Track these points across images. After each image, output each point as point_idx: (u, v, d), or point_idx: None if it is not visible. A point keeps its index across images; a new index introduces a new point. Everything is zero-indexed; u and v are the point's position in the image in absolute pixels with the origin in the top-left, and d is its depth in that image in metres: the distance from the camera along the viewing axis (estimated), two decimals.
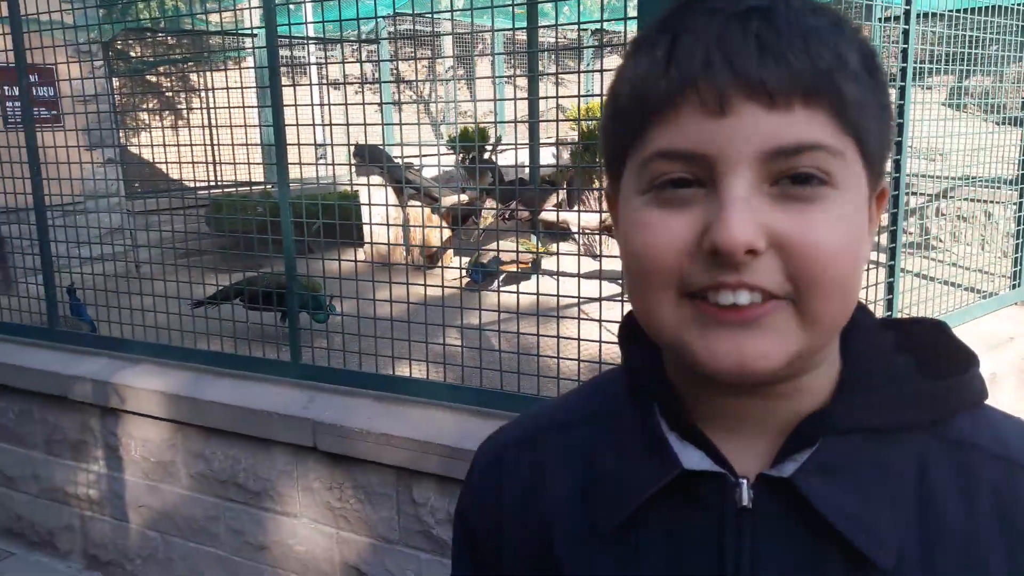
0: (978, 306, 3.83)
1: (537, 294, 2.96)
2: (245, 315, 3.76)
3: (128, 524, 3.64)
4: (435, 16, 5.76)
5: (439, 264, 6.28)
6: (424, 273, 3.79)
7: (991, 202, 4.91)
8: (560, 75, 6.45)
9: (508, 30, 5.25)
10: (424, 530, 2.94)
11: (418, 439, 2.87)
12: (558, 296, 2.93)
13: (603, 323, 2.80)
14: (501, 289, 3.61)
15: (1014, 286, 4.03)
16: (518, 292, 3.02)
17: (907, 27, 3.19)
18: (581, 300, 2.94)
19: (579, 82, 5.81)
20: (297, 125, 3.18)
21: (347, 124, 3.24)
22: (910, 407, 0.69)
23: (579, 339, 2.90)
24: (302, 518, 3.21)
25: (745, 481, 0.68)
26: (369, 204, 4.43)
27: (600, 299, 2.87)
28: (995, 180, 4.39)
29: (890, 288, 3.35)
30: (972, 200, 6.96)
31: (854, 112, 0.62)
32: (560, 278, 3.29)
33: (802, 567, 0.66)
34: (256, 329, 3.69)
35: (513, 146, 6.07)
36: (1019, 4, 3.60)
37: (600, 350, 2.83)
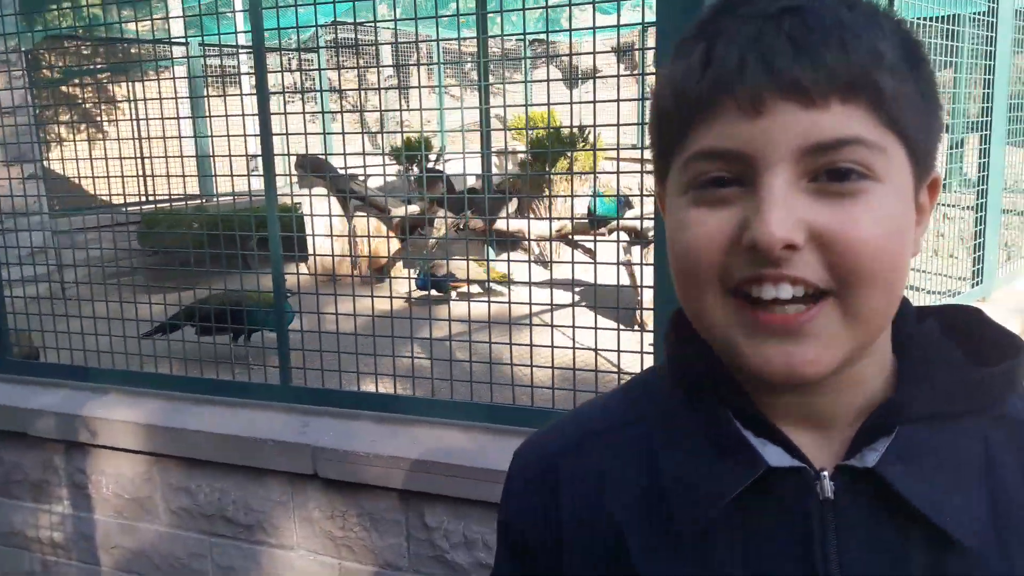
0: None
1: (509, 303, 2.90)
2: (197, 338, 3.58)
3: (99, 567, 3.38)
4: (376, 25, 5.61)
5: (388, 276, 6.14)
6: (372, 286, 3.66)
7: (949, 205, 5.09)
8: (499, 84, 6.43)
9: (453, 39, 5.18)
10: (438, 555, 2.81)
11: (430, 460, 2.75)
12: (530, 304, 2.86)
13: (557, 327, 2.75)
14: (472, 299, 3.54)
15: (975, 284, 4.17)
16: (489, 302, 2.94)
17: None
18: (553, 308, 2.90)
19: (526, 92, 5.77)
20: (244, 136, 3.03)
21: (287, 133, 3.11)
22: (972, 393, 0.71)
23: (552, 346, 2.85)
24: (300, 550, 3.03)
25: (826, 473, 0.69)
26: (311, 215, 4.26)
27: (573, 306, 2.83)
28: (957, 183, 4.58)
29: None
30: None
31: (893, 105, 0.63)
32: (518, 288, 3.23)
33: (887, 554, 0.67)
34: (210, 351, 3.49)
35: (460, 155, 5.97)
36: (975, 13, 3.72)
37: (574, 357, 2.80)
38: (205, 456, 3.07)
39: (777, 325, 0.63)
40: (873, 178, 0.62)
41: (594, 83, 2.90)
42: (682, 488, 0.73)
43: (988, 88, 4.01)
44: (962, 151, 5.48)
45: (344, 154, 3.19)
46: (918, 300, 3.74)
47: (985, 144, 4.07)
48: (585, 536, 0.79)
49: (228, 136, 3.25)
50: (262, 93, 2.95)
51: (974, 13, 3.85)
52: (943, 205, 7.15)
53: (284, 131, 3.17)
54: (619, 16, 3.56)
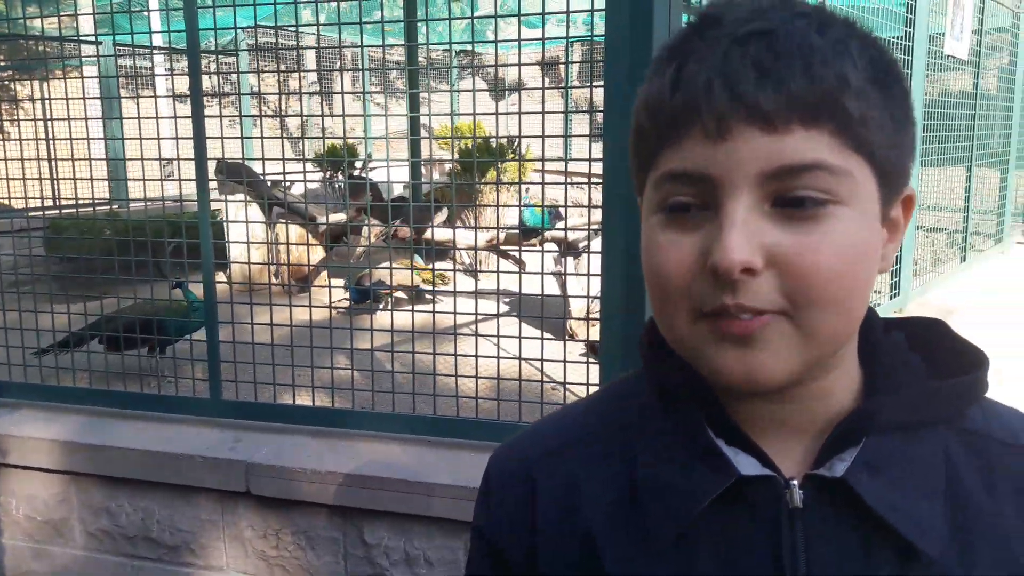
0: None
1: (434, 313, 2.87)
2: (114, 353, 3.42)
3: None
4: (299, 30, 5.50)
5: (312, 284, 6.01)
6: (290, 295, 3.58)
7: None
8: (426, 93, 6.41)
9: (377, 47, 5.10)
10: (377, 573, 2.74)
11: (369, 475, 2.67)
12: (455, 314, 2.85)
13: (484, 337, 2.74)
14: (395, 308, 3.49)
15: (893, 296, 4.33)
16: (412, 311, 2.91)
17: None
18: (497, 317, 2.88)
19: (451, 102, 5.74)
20: (161, 139, 2.92)
21: (207, 137, 3.01)
22: (936, 404, 0.73)
23: (476, 355, 2.83)
24: (230, 571, 2.91)
25: (795, 482, 0.70)
26: (229, 220, 4.14)
27: (497, 315, 2.83)
28: None
29: None
30: None
31: (860, 129, 0.63)
32: (448, 298, 3.21)
33: (854, 562, 0.69)
34: (130, 363, 3.34)
35: (385, 163, 5.90)
36: (893, 37, 3.87)
37: (498, 367, 2.79)
38: (128, 474, 2.92)
39: (735, 331, 0.65)
40: (836, 202, 0.63)
41: (519, 95, 2.90)
42: (657, 495, 0.74)
43: None
44: None
45: (263, 159, 3.11)
46: None
47: None
48: (560, 543, 0.79)
49: (140, 139, 3.12)
50: (196, 96, 2.84)
51: (892, 37, 4.01)
52: None
53: (204, 135, 3.06)
54: (543, 31, 3.57)
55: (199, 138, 2.85)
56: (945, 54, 4.67)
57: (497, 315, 3.06)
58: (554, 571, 0.79)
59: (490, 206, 4.80)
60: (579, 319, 4.62)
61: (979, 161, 5.61)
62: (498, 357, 2.85)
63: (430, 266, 5.62)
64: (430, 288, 5.52)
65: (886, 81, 0.66)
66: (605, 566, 0.75)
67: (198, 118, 2.84)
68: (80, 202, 6.18)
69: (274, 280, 5.77)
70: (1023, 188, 7.12)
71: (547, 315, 2.85)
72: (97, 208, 6.08)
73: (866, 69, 0.64)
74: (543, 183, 2.86)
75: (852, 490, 0.68)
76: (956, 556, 0.69)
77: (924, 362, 0.76)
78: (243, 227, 5.48)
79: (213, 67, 7.62)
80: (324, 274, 6.24)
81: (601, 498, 0.78)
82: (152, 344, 3.67)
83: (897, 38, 4.04)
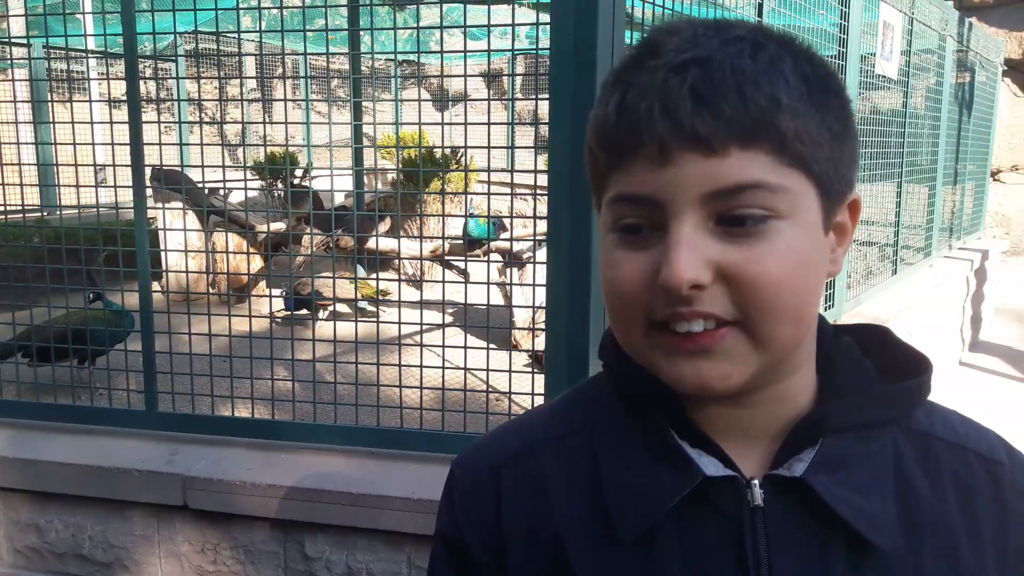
0: None
1: (377, 322, 2.86)
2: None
3: None
4: (240, 37, 5.43)
5: (250, 294, 5.91)
6: (229, 305, 3.52)
7: None
8: (368, 102, 6.36)
9: (321, 54, 5.07)
10: None
11: (310, 487, 2.63)
12: (399, 323, 2.84)
13: (428, 347, 2.74)
14: (337, 319, 3.46)
15: (827, 307, 4.44)
16: (378, 321, 2.89)
17: None
18: (423, 328, 2.88)
19: (396, 111, 5.72)
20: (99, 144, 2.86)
21: (144, 144, 2.96)
22: (887, 406, 0.77)
23: (421, 366, 2.83)
24: None
25: (756, 482, 0.73)
26: (165, 228, 4.06)
27: (443, 325, 2.82)
28: None
29: None
30: None
31: (797, 145, 0.66)
32: (392, 308, 3.20)
33: (812, 557, 0.72)
34: (60, 375, 3.24)
35: (328, 171, 5.83)
36: (828, 56, 3.99)
37: (443, 376, 2.80)
38: (59, 489, 2.83)
39: (690, 346, 0.68)
40: (777, 216, 0.66)
41: (465, 106, 2.91)
42: (623, 496, 0.76)
43: None
44: None
45: (203, 166, 3.05)
46: None
47: None
48: (527, 543, 0.80)
49: (74, 144, 3.04)
50: (133, 101, 2.77)
51: (827, 56, 4.12)
52: None
53: (141, 141, 2.99)
54: (489, 42, 3.59)
55: (136, 144, 2.79)
56: (876, 73, 4.82)
57: (443, 325, 3.05)
58: (521, 571, 0.80)
59: (434, 215, 4.79)
60: (524, 329, 4.64)
61: (908, 177, 5.80)
62: (443, 368, 2.84)
63: (373, 278, 5.58)
64: (371, 307, 5.48)
65: (822, 96, 0.68)
66: (572, 566, 0.77)
67: (135, 124, 2.78)
68: (8, 208, 5.97)
69: (211, 289, 5.66)
70: (949, 204, 7.38)
71: (491, 326, 2.85)
72: (27, 215, 5.89)
73: (799, 87, 0.67)
74: (488, 193, 2.86)
75: (810, 488, 0.72)
76: (905, 548, 0.73)
77: (873, 366, 0.80)
78: (179, 235, 5.37)
79: (150, 72, 7.47)
80: (262, 284, 6.14)
81: (567, 499, 0.79)
82: (83, 355, 3.56)
83: (832, 57, 4.16)
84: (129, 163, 2.79)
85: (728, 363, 0.68)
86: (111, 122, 3.04)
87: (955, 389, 6.29)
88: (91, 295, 3.71)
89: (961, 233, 7.83)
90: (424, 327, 2.95)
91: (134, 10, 2.71)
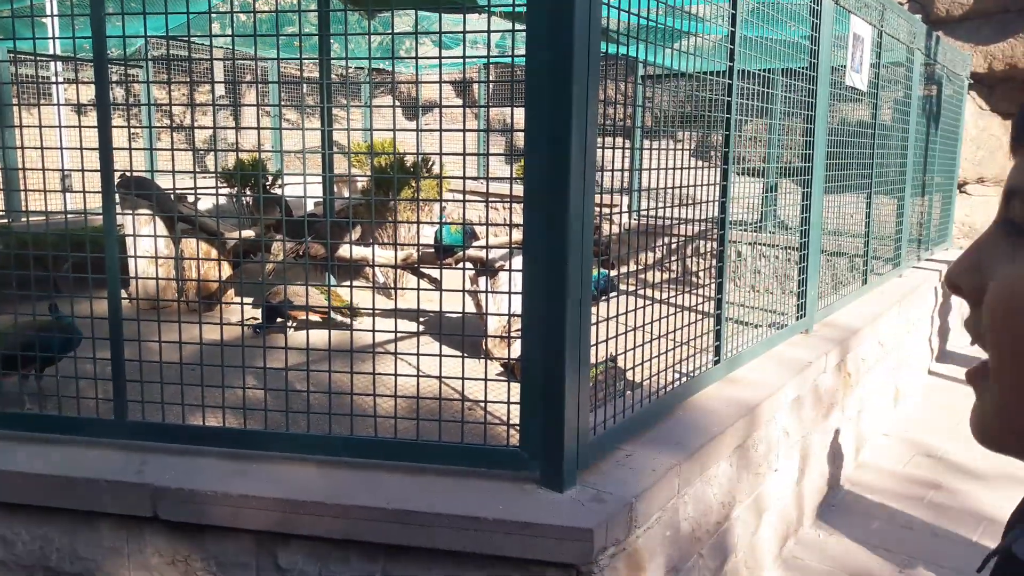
0: (777, 336, 4.21)
1: (351, 330, 2.84)
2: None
3: None
4: (211, 42, 5.39)
5: (219, 301, 5.85)
6: (200, 312, 3.49)
7: (766, 245, 5.47)
8: (339, 110, 6.34)
9: (294, 59, 5.04)
10: None
11: (283, 497, 2.60)
12: (373, 331, 2.81)
13: (407, 356, 2.73)
14: (310, 327, 3.43)
15: (799, 316, 4.48)
16: (351, 329, 2.87)
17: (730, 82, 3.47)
18: (416, 335, 2.86)
19: (369, 118, 5.67)
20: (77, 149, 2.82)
21: (114, 148, 2.93)
22: None
23: (418, 375, 2.81)
24: None
25: None
26: (134, 235, 4.01)
27: (418, 334, 2.82)
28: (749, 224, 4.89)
29: (718, 335, 3.59)
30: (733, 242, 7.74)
31: None
32: (365, 317, 3.18)
33: None
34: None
35: (300, 178, 5.81)
36: (758, 70, 3.94)
37: (418, 385, 2.76)
38: (25, 499, 2.77)
39: None
40: None
41: (440, 112, 2.91)
42: None
43: (810, 137, 4.35)
44: (775, 195, 5.93)
45: (173, 172, 3.02)
46: (747, 335, 3.95)
47: (807, 188, 4.39)
48: None
49: (42, 148, 3.00)
50: (103, 104, 2.74)
51: (799, 68, 4.17)
52: (760, 244, 7.68)
53: (111, 146, 2.95)
54: (464, 48, 3.58)
55: (105, 149, 2.76)
56: (846, 85, 4.88)
57: (417, 334, 3.04)
58: None
59: (405, 223, 4.77)
60: (499, 337, 4.63)
61: (878, 188, 5.87)
62: (417, 376, 2.83)
63: (345, 290, 5.55)
64: (344, 317, 5.44)
65: None
66: None
67: (104, 129, 2.75)
68: None
69: (176, 297, 5.60)
70: (917, 215, 7.48)
71: (461, 333, 2.84)
72: None
73: None
74: (464, 200, 2.85)
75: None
76: None
77: None
78: (145, 242, 5.31)
79: (118, 77, 7.37)
80: (231, 291, 6.09)
81: None
82: (32, 365, 3.51)
83: (803, 68, 4.20)
84: (98, 168, 2.74)
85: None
86: (80, 126, 2.99)
87: (925, 398, 6.38)
88: (53, 309, 3.66)
89: (930, 244, 7.94)
90: (397, 335, 2.94)
91: (103, 13, 2.67)
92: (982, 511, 4.38)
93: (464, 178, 2.87)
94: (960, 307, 8.32)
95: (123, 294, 5.17)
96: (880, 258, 6.36)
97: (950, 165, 8.73)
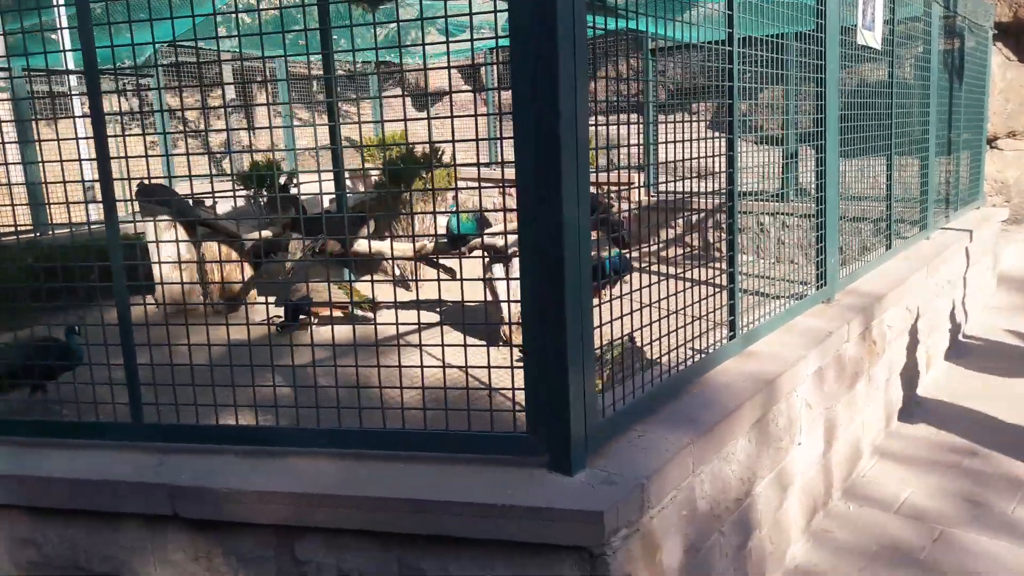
0: (797, 306, 4.15)
1: (353, 324, 2.86)
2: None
3: None
4: (218, 45, 5.42)
5: (245, 302, 5.92)
6: (226, 315, 3.52)
7: (788, 214, 5.39)
8: (349, 104, 6.38)
9: (301, 56, 5.06)
10: None
11: (298, 492, 2.63)
12: (375, 325, 2.82)
13: (422, 347, 2.73)
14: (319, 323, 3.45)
15: (819, 287, 4.41)
16: (353, 323, 2.88)
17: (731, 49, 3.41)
18: (418, 328, 2.86)
19: (380, 110, 5.69)
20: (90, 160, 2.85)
21: (126, 157, 2.95)
22: None
23: (422, 366, 2.82)
24: None
25: None
26: (156, 241, 4.06)
27: (430, 325, 2.81)
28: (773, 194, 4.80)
29: (732, 309, 3.54)
30: (748, 213, 7.62)
31: None
32: (384, 310, 3.18)
33: None
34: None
35: (315, 176, 5.81)
36: (767, 36, 3.86)
37: (422, 376, 2.77)
38: (53, 503, 2.85)
39: None
40: None
41: (451, 99, 2.90)
42: None
43: (821, 101, 4.26)
44: (796, 162, 5.82)
45: (190, 176, 3.05)
46: (765, 307, 3.91)
47: (821, 154, 4.31)
48: None
49: (61, 162, 3.04)
50: (97, 116, 2.77)
51: (807, 31, 4.08)
52: (782, 215, 7.55)
53: (124, 155, 2.98)
54: (472, 34, 3.57)
55: (103, 158, 2.80)
56: (858, 44, 4.78)
57: (430, 325, 3.04)
58: None
59: (418, 214, 4.77)
60: (515, 323, 4.62)
61: (899, 149, 5.75)
62: (422, 367, 2.84)
63: (365, 287, 5.58)
64: (367, 311, 5.47)
65: None
66: None
67: (100, 137, 2.78)
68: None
69: (202, 300, 5.67)
70: (944, 175, 7.31)
71: (477, 322, 2.84)
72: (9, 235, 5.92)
73: None
74: (480, 187, 2.83)
75: None
76: None
77: None
78: (168, 248, 5.37)
79: (129, 86, 7.47)
80: (253, 292, 6.15)
81: None
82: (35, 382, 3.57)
83: (811, 31, 4.12)
84: (97, 178, 2.78)
85: None
86: (86, 137, 3.03)
87: (957, 362, 6.24)
88: (67, 329, 3.69)
89: (959, 203, 7.76)
90: (410, 327, 2.94)
91: (90, 24, 2.70)
92: (1022, 477, 4.29)
93: (478, 165, 2.87)
94: (994, 266, 8.14)
95: (150, 299, 5.26)
96: (906, 221, 6.23)
97: (978, 121, 8.51)
